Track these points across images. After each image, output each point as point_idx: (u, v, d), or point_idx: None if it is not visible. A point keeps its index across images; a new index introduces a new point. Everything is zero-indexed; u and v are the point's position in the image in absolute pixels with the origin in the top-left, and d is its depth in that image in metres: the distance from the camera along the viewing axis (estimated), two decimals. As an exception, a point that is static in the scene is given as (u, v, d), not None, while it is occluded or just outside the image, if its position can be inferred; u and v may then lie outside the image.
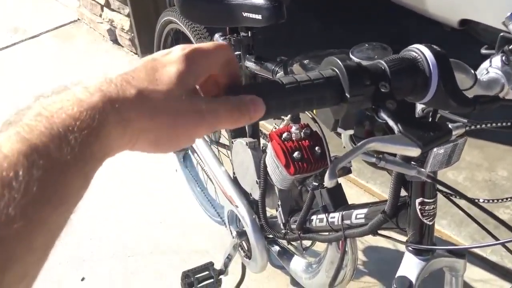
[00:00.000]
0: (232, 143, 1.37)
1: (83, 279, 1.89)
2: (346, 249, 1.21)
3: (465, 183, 2.19)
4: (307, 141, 1.16)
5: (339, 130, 0.50)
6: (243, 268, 1.66)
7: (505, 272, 1.79)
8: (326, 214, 1.05)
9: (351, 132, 0.51)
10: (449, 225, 1.96)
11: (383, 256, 1.90)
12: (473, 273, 1.80)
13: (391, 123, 0.47)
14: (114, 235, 2.06)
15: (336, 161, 0.50)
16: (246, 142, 1.28)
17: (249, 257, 1.50)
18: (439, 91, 0.50)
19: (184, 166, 1.94)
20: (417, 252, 0.82)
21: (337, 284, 1.26)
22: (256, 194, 1.31)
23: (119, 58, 3.25)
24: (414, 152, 0.47)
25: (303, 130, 1.17)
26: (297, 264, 1.37)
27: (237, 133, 1.48)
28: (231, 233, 1.57)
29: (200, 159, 1.66)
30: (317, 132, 1.19)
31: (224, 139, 1.74)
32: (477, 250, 1.87)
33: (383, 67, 0.50)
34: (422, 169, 0.57)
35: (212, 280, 1.59)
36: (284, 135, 1.17)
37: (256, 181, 1.27)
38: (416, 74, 0.51)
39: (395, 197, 0.81)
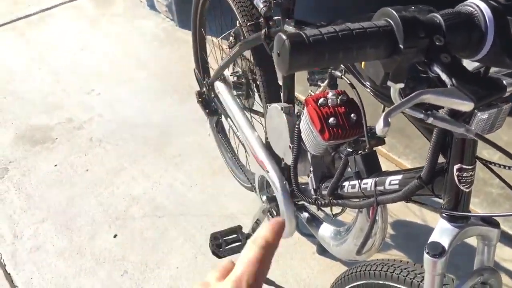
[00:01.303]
0: (267, 107, 1.37)
1: (115, 236, 1.95)
2: (376, 217, 1.21)
3: (500, 162, 2.14)
4: (343, 107, 1.16)
5: (389, 83, 0.49)
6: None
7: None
8: (359, 180, 1.05)
9: (401, 86, 0.51)
10: (481, 204, 1.93)
11: (412, 231, 1.90)
12: (503, 252, 1.78)
13: (444, 77, 0.47)
14: (147, 196, 2.11)
15: (389, 110, 0.49)
16: (281, 107, 1.28)
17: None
18: (495, 48, 0.49)
19: (216, 132, 1.96)
20: (452, 219, 0.81)
21: (365, 252, 1.26)
22: (288, 160, 1.31)
23: (156, 25, 3.27)
24: (467, 106, 0.47)
25: (340, 97, 1.16)
26: (326, 230, 1.38)
27: (272, 98, 1.48)
28: (261, 199, 1.59)
29: (234, 124, 1.67)
30: (353, 100, 1.18)
31: (258, 106, 1.75)
32: (507, 229, 1.85)
33: (438, 21, 0.49)
34: (471, 127, 0.56)
35: (239, 243, 1.62)
36: (320, 100, 1.17)
37: (289, 146, 1.28)
38: (472, 29, 0.50)
39: (432, 163, 0.80)
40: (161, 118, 2.54)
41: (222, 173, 2.17)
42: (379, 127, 0.51)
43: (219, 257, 1.59)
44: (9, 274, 1.81)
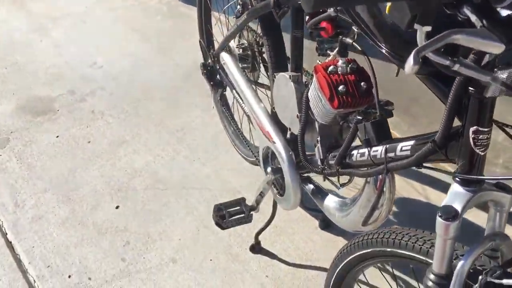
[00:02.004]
0: (274, 77, 1.35)
1: (117, 207, 1.95)
2: (384, 188, 1.20)
3: (504, 143, 2.13)
4: (353, 75, 1.14)
5: (416, 26, 0.47)
6: (274, 207, 1.68)
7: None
8: (369, 148, 1.04)
9: (429, 29, 0.49)
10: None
11: (416, 210, 1.89)
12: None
13: (474, 18, 0.45)
14: (149, 169, 2.10)
15: (420, 48, 0.48)
16: (290, 75, 1.26)
17: (282, 195, 1.51)
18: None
19: (220, 105, 1.94)
20: (465, 183, 0.80)
21: (370, 222, 1.26)
22: (295, 129, 1.30)
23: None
24: (498, 48, 0.45)
25: (350, 65, 1.15)
26: (331, 202, 1.37)
27: (279, 68, 1.46)
28: (265, 171, 1.58)
29: (239, 96, 1.66)
30: (363, 68, 1.16)
31: (263, 79, 1.73)
32: None
33: (469, -40, 0.47)
34: (498, 75, 0.54)
35: (243, 215, 1.61)
36: (330, 68, 1.15)
37: (297, 115, 1.26)
38: None
39: (447, 126, 0.79)
40: (164, 93, 2.52)
41: (225, 148, 2.16)
42: (408, 65, 0.49)
43: (222, 228, 1.59)
44: (11, 242, 1.81)
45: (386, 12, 0.50)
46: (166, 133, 2.28)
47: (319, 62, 1.29)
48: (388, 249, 0.99)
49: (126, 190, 2.02)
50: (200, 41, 1.98)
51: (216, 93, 1.89)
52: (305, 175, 1.46)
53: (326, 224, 1.81)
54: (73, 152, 2.19)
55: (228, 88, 1.85)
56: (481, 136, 0.76)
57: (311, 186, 1.45)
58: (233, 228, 1.64)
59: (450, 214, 0.78)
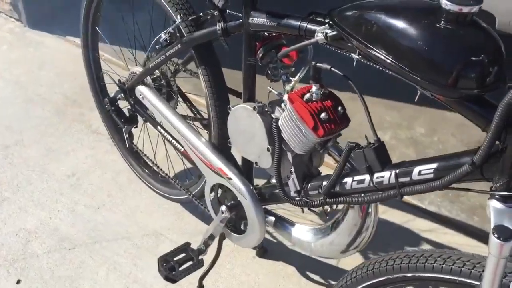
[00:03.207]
0: (230, 109, 1.24)
1: (18, 281, 1.61)
2: (370, 210, 1.19)
3: (391, 141, 2.32)
4: (329, 101, 1.11)
5: None
6: (219, 247, 1.56)
7: (445, 220, 1.95)
8: (370, 174, 1.02)
9: None
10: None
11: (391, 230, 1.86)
12: (419, 224, 1.92)
13: None
14: (47, 227, 1.78)
15: None
16: (254, 107, 1.17)
17: (241, 232, 1.41)
18: None
19: (130, 142, 1.74)
20: (505, 200, 0.82)
21: (353, 248, 1.24)
22: (264, 163, 1.21)
23: None
24: None
25: (322, 90, 1.11)
26: (302, 232, 1.32)
27: (220, 99, 1.36)
28: (214, 210, 1.46)
29: (166, 131, 1.50)
30: (332, 92, 1.14)
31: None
32: (416, 202, 2.00)
33: None
34: None
35: (192, 262, 1.46)
36: (307, 96, 1.10)
37: (268, 148, 1.18)
38: None
39: (490, 147, 0.80)
40: (37, 135, 2.17)
41: (131, 188, 1.95)
42: None
43: (174, 281, 1.42)
44: None
45: None
46: (55, 181, 1.96)
47: (272, 90, 1.23)
48: (409, 274, 0.98)
49: (24, 258, 1.68)
50: (102, 74, 1.75)
51: (127, 130, 1.69)
52: (267, 207, 1.38)
53: (263, 251, 1.75)
54: None
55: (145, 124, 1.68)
56: (525, 152, 0.79)
57: (272, 219, 1.37)
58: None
59: (506, 234, 0.80)
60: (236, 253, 1.76)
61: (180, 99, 1.63)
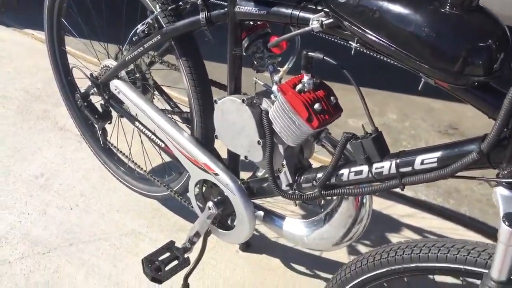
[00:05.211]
0: (216, 102, 1.19)
1: (-10, 292, 1.52)
2: (364, 201, 1.18)
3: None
4: (321, 91, 1.08)
5: None
6: (204, 244, 1.51)
7: (423, 204, 1.97)
8: (368, 165, 0.99)
9: None
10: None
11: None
12: (398, 210, 1.94)
13: None
14: (17, 232, 1.69)
15: None
16: (243, 99, 1.12)
17: (229, 228, 1.37)
18: None
19: (104, 139, 1.66)
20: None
21: (347, 239, 1.22)
22: (254, 157, 1.17)
23: None
24: None
25: (313, 80, 1.08)
26: (293, 225, 1.29)
27: (203, 91, 1.31)
28: (200, 206, 1.41)
29: (145, 126, 1.43)
30: (323, 82, 1.11)
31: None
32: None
33: None
34: None
35: (178, 261, 1.41)
36: (299, 86, 1.07)
37: (258, 141, 1.14)
38: None
39: (498, 134, 0.79)
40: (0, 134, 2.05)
41: (104, 187, 1.87)
42: None
43: (161, 281, 1.36)
44: None
45: None
46: (22, 183, 1.86)
47: (258, 81, 1.19)
48: (412, 265, 0.97)
49: (-6, 266, 1.59)
50: (72, 68, 1.65)
51: (101, 127, 1.60)
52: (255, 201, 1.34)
53: (246, 245, 1.71)
54: None
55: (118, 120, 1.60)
56: (533, 139, 0.78)
57: (261, 213, 1.33)
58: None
59: (517, 221, 0.79)
60: (219, 248, 1.72)
61: (156, 92, 1.56)
